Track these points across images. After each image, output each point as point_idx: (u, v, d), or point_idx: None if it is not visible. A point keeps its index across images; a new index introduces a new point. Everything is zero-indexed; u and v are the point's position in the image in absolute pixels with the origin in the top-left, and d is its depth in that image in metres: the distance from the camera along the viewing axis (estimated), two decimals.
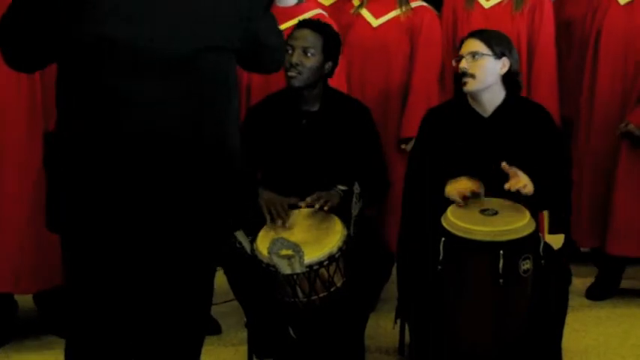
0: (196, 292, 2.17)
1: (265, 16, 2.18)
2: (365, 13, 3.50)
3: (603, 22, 3.52)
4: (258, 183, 2.93)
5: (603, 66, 3.52)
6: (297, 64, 2.88)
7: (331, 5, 3.66)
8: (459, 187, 2.71)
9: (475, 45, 2.83)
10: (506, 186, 2.64)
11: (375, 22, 3.49)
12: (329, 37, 2.96)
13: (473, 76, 2.81)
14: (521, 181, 2.65)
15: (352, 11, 3.51)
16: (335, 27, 3.20)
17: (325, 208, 2.77)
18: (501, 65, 2.83)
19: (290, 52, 2.90)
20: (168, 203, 2.01)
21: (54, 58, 2.02)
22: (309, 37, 2.92)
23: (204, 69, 2.02)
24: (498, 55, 2.82)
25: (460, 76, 2.84)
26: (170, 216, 2.02)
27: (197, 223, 2.06)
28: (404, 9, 3.48)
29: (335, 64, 3.01)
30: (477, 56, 2.81)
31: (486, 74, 2.81)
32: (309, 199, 2.81)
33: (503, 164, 2.67)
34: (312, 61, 2.91)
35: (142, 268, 2.10)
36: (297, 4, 3.38)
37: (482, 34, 2.87)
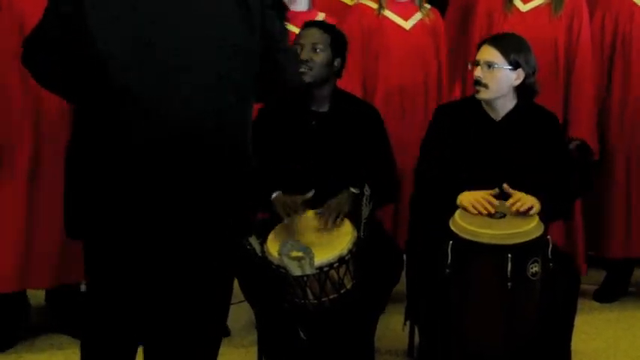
0: (211, 296, 2.17)
1: (277, 19, 2.18)
2: (391, 15, 3.51)
3: (631, 26, 3.50)
4: (269, 184, 2.94)
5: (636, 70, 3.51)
6: (307, 60, 2.93)
7: (350, 9, 3.66)
8: (471, 201, 2.70)
9: (492, 54, 2.83)
10: (513, 209, 2.64)
11: (406, 25, 3.51)
12: (336, 35, 3.01)
13: (486, 86, 2.82)
14: (526, 203, 2.65)
15: (375, 12, 3.51)
16: (357, 30, 3.33)
17: (338, 220, 2.78)
18: (515, 77, 2.84)
19: (299, 50, 2.94)
20: (186, 205, 2.02)
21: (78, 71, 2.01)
22: (316, 34, 2.98)
23: (226, 72, 2.03)
24: (514, 67, 2.82)
25: (474, 84, 2.85)
26: (185, 219, 2.03)
27: (210, 226, 2.07)
28: (424, 11, 3.52)
29: (343, 62, 3.04)
30: (492, 67, 2.82)
31: (500, 85, 2.83)
32: (321, 217, 2.81)
33: (505, 186, 2.68)
34: (321, 56, 2.95)
35: (160, 270, 2.10)
36: (307, 10, 3.44)
37: (500, 42, 2.86)
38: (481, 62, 2.84)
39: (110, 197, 1.99)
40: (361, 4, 3.57)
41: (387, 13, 3.51)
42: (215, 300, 2.18)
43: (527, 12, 3.49)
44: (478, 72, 2.84)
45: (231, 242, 2.16)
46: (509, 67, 2.82)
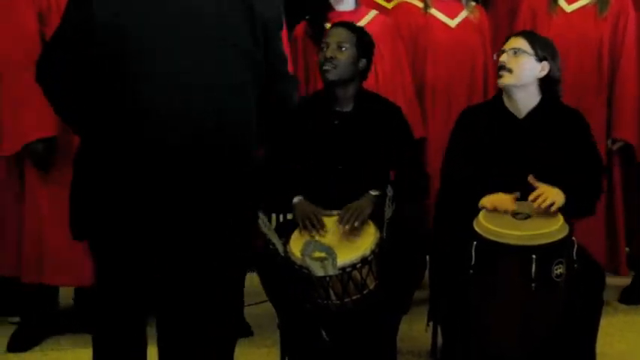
0: (216, 296, 2.17)
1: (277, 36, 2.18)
2: (437, 13, 3.53)
3: None
4: (290, 185, 2.95)
5: None
6: (331, 58, 2.94)
7: (394, 8, 3.69)
8: (494, 202, 2.70)
9: (519, 42, 2.85)
10: (535, 205, 2.63)
11: (452, 23, 3.52)
12: (362, 35, 3.02)
13: (510, 70, 2.82)
14: (548, 198, 2.63)
15: (422, 11, 3.53)
16: (394, 27, 3.39)
17: (355, 224, 2.77)
18: (540, 68, 2.83)
19: (325, 48, 2.96)
20: (186, 205, 2.03)
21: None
22: (343, 33, 2.99)
23: (227, 72, 2.04)
24: (540, 58, 2.83)
25: (498, 70, 2.85)
26: (185, 219, 2.04)
27: (210, 225, 2.07)
28: (469, 8, 3.54)
29: (369, 63, 3.04)
30: (518, 52, 2.83)
31: (523, 72, 2.82)
32: (338, 217, 2.80)
33: (530, 177, 2.67)
34: (345, 55, 2.96)
35: (162, 270, 2.11)
36: (354, 9, 3.45)
37: (529, 35, 2.90)
38: (507, 49, 2.86)
39: (112, 198, 2.02)
40: (406, 2, 3.58)
41: (433, 11, 3.53)
42: (221, 299, 2.18)
43: (572, 12, 3.47)
44: (503, 57, 2.85)
45: (231, 242, 2.15)
46: (535, 57, 2.82)
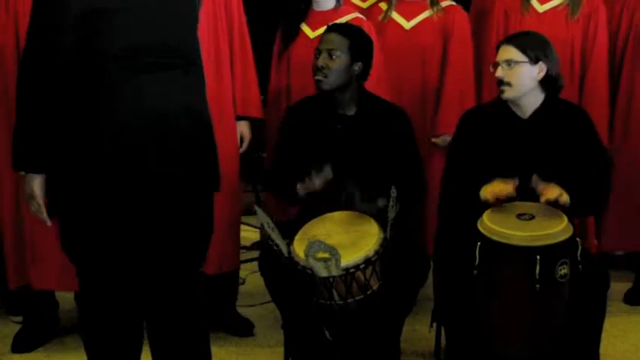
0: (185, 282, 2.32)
1: None
2: (395, 16, 3.51)
3: None
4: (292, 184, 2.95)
5: None
6: (322, 67, 2.93)
7: (367, 8, 3.68)
8: (493, 190, 2.71)
9: (510, 52, 2.82)
10: (542, 200, 2.63)
11: (407, 25, 3.50)
12: (356, 38, 2.99)
13: (509, 84, 2.81)
14: (554, 191, 2.63)
15: (380, 18, 3.52)
16: (372, 29, 3.26)
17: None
18: (538, 70, 2.82)
19: (317, 55, 2.94)
20: (155, 187, 2.18)
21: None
22: (334, 40, 2.96)
23: (191, 55, 2.21)
24: (534, 61, 2.81)
25: (498, 84, 2.84)
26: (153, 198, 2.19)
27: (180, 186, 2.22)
28: (435, 9, 3.49)
29: (366, 65, 3.02)
30: (512, 64, 2.81)
31: (523, 81, 2.81)
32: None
33: (534, 177, 2.66)
34: (337, 63, 2.94)
35: (135, 239, 2.24)
36: (334, 8, 3.40)
37: (516, 40, 2.86)
38: (500, 62, 2.84)
39: (80, 184, 2.14)
40: (375, 6, 3.59)
41: (392, 14, 3.51)
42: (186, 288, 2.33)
43: (544, 13, 3.48)
44: (499, 72, 2.83)
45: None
46: (529, 62, 2.81)
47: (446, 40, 3.49)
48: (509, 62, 2.82)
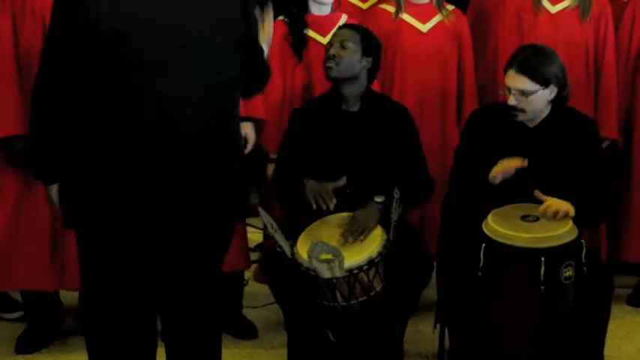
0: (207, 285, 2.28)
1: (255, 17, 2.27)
2: (408, 18, 3.49)
3: None
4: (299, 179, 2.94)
5: None
6: (334, 56, 2.94)
7: (368, 9, 3.67)
8: (502, 167, 2.70)
9: (523, 83, 2.77)
10: (547, 213, 2.62)
11: (423, 28, 3.48)
12: (367, 35, 3.02)
13: (523, 110, 2.80)
14: (557, 207, 2.62)
15: (392, 17, 3.49)
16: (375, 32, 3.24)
17: (361, 238, 2.76)
18: (550, 92, 2.81)
19: (329, 47, 2.97)
20: (181, 198, 2.10)
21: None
22: (347, 33, 3.00)
23: (221, 66, 2.11)
24: (546, 84, 2.79)
25: (510, 109, 2.82)
26: (180, 208, 2.11)
27: (206, 213, 2.15)
28: (444, 13, 3.48)
29: (375, 62, 3.03)
30: (525, 94, 2.78)
31: (537, 106, 2.82)
32: (347, 234, 2.78)
33: (537, 192, 2.65)
34: (348, 53, 2.95)
35: (155, 259, 2.19)
36: (329, 14, 3.40)
37: (526, 67, 2.77)
38: (513, 90, 2.79)
39: (107, 186, 2.07)
40: (377, 7, 3.56)
41: (405, 16, 3.48)
42: (207, 291, 2.29)
43: (556, 13, 3.47)
44: (512, 100, 2.79)
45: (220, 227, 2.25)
46: (542, 88, 2.78)
47: (460, 45, 3.49)
48: (522, 92, 2.78)
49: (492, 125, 2.89)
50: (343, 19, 3.39)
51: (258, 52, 2.28)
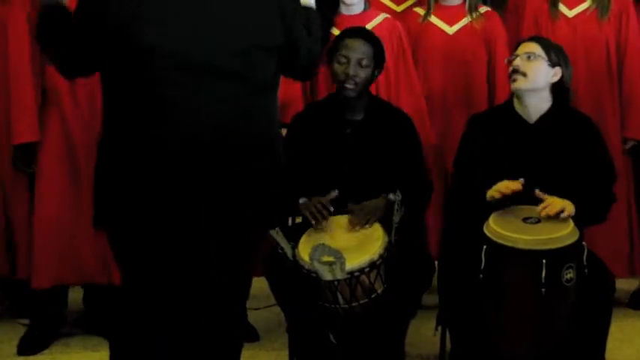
0: (234, 288, 2.21)
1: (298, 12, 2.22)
2: (435, 20, 3.50)
3: None
4: (297, 190, 2.94)
5: None
6: (354, 76, 2.93)
7: (402, 12, 3.68)
8: (499, 187, 2.70)
9: (532, 47, 2.84)
10: (543, 214, 2.61)
11: (449, 30, 3.50)
12: (378, 46, 3.01)
13: (524, 74, 2.81)
14: (556, 206, 2.62)
15: (420, 20, 3.51)
16: (403, 32, 3.36)
17: (367, 226, 2.78)
18: (553, 73, 2.83)
19: (345, 62, 2.94)
20: (213, 202, 2.05)
21: (101, 68, 2.09)
22: (362, 48, 2.96)
23: (249, 71, 2.06)
24: (553, 63, 2.82)
25: (511, 74, 2.84)
26: (213, 215, 2.06)
27: (240, 221, 2.11)
28: (474, 15, 3.49)
29: (381, 72, 3.05)
30: (532, 57, 2.82)
31: (537, 76, 2.81)
32: (352, 216, 2.81)
33: (537, 191, 2.66)
34: (366, 71, 2.96)
35: (187, 263, 2.12)
36: (362, 12, 3.42)
37: (542, 40, 2.89)
38: (520, 54, 2.84)
39: (137, 188, 2.03)
40: (410, 10, 3.59)
41: (432, 18, 3.51)
42: (230, 299, 2.22)
43: (574, 17, 3.46)
44: (517, 62, 2.83)
45: (254, 235, 2.20)
46: (549, 62, 2.81)
47: (491, 47, 3.49)
48: (529, 55, 2.82)
49: (491, 126, 2.90)
50: (380, 18, 3.39)
51: (298, 53, 2.22)
